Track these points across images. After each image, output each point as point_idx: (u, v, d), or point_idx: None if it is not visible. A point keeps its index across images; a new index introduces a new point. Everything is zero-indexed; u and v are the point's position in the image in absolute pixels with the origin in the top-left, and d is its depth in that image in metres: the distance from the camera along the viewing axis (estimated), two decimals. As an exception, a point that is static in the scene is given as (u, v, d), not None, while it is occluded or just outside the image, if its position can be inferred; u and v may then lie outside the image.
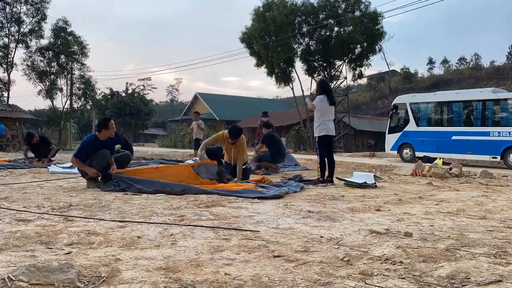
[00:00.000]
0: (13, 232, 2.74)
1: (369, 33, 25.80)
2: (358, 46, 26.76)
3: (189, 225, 3.09)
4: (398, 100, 17.22)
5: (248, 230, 3.00)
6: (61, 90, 31.58)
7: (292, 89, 28.70)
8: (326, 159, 6.70)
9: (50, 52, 30.38)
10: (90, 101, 33.48)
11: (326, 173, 6.73)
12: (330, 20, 26.34)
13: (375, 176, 6.90)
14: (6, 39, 29.56)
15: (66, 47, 30.58)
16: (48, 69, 30.77)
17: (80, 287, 1.78)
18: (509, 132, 13.41)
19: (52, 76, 30.92)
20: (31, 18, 29.96)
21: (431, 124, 15.86)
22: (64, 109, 31.70)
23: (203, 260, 2.22)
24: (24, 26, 29.79)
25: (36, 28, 30.02)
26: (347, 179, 6.78)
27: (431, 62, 60.01)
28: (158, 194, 4.74)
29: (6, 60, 29.54)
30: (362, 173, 7.42)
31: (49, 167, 7.76)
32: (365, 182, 6.31)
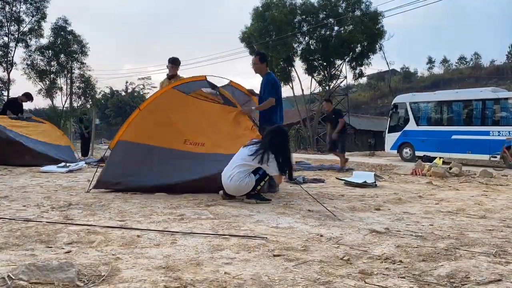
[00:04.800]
0: (13, 231, 2.74)
1: (369, 33, 25.82)
2: (358, 45, 26.78)
3: (186, 233, 3.09)
4: (398, 99, 17.23)
5: (248, 237, 3.00)
6: (61, 89, 31.62)
7: (292, 88, 28.76)
8: None
9: (50, 51, 30.38)
10: (90, 100, 33.49)
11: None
12: (330, 20, 26.35)
13: (375, 175, 6.91)
14: (6, 38, 29.58)
15: (66, 46, 30.58)
16: (48, 68, 30.77)
17: (80, 286, 1.78)
18: (509, 132, 13.42)
19: (52, 75, 30.92)
20: (31, 17, 29.97)
21: (431, 123, 15.88)
22: (64, 108, 31.71)
23: (203, 259, 2.22)
24: (24, 25, 29.80)
25: (36, 27, 30.01)
26: (347, 178, 6.78)
27: (430, 61, 60.08)
28: (157, 193, 4.72)
29: (6, 59, 29.54)
30: (362, 173, 7.42)
31: (41, 167, 7.78)
32: (365, 182, 6.32)
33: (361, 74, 29.49)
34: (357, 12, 26.36)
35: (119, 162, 4.97)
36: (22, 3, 29.62)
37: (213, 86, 5.36)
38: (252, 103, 5.83)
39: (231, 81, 5.89)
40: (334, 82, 29.47)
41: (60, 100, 32.05)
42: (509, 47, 53.96)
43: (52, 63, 30.76)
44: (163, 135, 4.95)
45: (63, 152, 9.35)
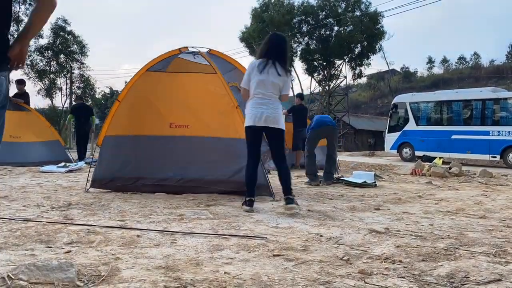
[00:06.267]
0: (12, 230, 2.74)
1: (369, 33, 25.86)
2: (358, 45, 26.83)
3: (185, 233, 3.09)
4: (398, 99, 17.23)
5: (248, 237, 3.00)
6: (60, 89, 31.63)
7: (292, 88, 28.75)
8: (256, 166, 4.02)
9: (49, 51, 30.37)
10: (89, 100, 33.50)
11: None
12: (329, 20, 26.38)
13: (375, 175, 6.91)
14: (5, 38, 29.53)
15: (65, 47, 30.58)
16: (47, 68, 30.76)
17: (79, 286, 1.78)
18: (509, 132, 13.42)
19: (51, 75, 30.92)
20: (30, 17, 29.94)
21: (431, 123, 15.88)
22: (64, 108, 31.72)
23: (202, 259, 2.22)
24: (23, 26, 29.79)
25: (35, 27, 29.99)
26: (346, 178, 6.79)
27: (430, 61, 60.12)
28: (157, 193, 4.72)
29: (5, 60, 29.51)
30: (362, 172, 7.42)
31: (41, 168, 7.79)
32: (365, 182, 6.32)
33: (360, 74, 29.54)
34: (357, 12, 26.39)
35: (110, 158, 4.97)
36: (21, 4, 29.62)
37: (192, 53, 5.14)
38: (237, 71, 5.53)
39: (210, 49, 5.50)
40: (334, 82, 29.50)
41: (60, 100, 32.12)
42: (509, 47, 54.10)
43: (51, 63, 30.77)
44: (147, 123, 4.91)
45: (51, 150, 9.21)
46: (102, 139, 5.04)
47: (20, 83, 10.73)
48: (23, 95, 10.34)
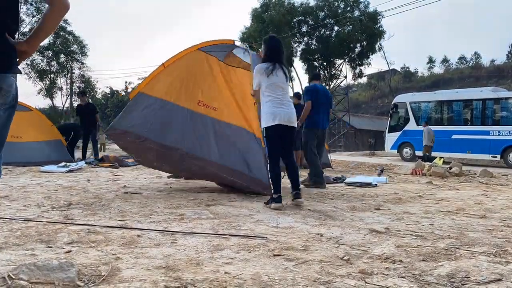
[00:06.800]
0: (13, 230, 2.74)
1: (369, 32, 25.87)
2: (358, 45, 26.84)
3: (186, 233, 3.09)
4: (398, 99, 17.25)
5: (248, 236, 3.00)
6: (60, 89, 31.68)
7: (292, 88, 28.75)
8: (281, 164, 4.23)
9: (49, 51, 30.40)
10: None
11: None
12: (329, 20, 26.40)
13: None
14: (6, 38, 29.55)
15: (65, 47, 30.62)
16: (48, 68, 30.81)
17: (80, 286, 1.78)
18: (509, 131, 13.42)
19: (52, 75, 30.96)
20: (31, 18, 29.98)
21: (431, 123, 15.89)
22: (64, 108, 31.76)
23: (203, 259, 2.23)
24: (24, 26, 29.82)
25: (36, 28, 30.05)
26: (348, 179, 6.78)
27: (431, 61, 59.93)
28: (157, 193, 4.73)
29: (6, 59, 29.54)
30: (365, 177, 7.40)
31: (41, 167, 7.80)
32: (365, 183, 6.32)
33: (360, 74, 29.57)
34: (356, 12, 26.42)
35: (133, 113, 5.10)
36: (22, 4, 29.63)
37: (244, 50, 5.37)
38: None
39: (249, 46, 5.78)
40: (334, 82, 29.50)
41: (60, 100, 32.15)
42: (509, 47, 54.06)
43: (52, 63, 30.82)
44: (180, 93, 5.10)
45: (54, 149, 9.21)
46: (136, 92, 5.20)
47: (83, 95, 11.18)
48: (87, 106, 10.62)
